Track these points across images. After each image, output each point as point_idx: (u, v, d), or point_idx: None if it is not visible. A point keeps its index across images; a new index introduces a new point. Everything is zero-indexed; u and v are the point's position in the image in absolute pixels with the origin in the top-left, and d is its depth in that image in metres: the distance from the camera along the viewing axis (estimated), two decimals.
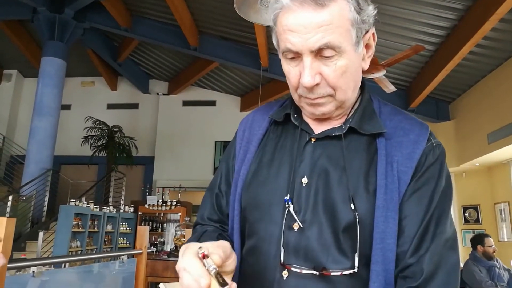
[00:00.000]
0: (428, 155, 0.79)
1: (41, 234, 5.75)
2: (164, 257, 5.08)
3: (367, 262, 0.75)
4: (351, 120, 0.83)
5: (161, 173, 10.41)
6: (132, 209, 8.04)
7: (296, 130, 0.85)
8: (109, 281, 2.89)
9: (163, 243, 7.54)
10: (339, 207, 0.76)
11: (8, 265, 1.75)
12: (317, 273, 0.74)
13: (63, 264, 4.26)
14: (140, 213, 8.29)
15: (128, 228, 7.88)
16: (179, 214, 8.37)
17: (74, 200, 6.33)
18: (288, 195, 0.78)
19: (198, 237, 0.85)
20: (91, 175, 10.22)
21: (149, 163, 10.60)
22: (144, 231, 3.24)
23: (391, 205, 0.75)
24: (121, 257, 2.98)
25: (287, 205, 0.77)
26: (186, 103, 10.87)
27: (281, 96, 8.59)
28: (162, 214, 8.27)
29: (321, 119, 0.84)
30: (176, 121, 10.68)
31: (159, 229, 8.06)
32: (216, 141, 10.68)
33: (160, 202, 8.25)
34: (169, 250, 5.83)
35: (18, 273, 2.56)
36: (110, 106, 11.24)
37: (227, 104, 10.61)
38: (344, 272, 0.74)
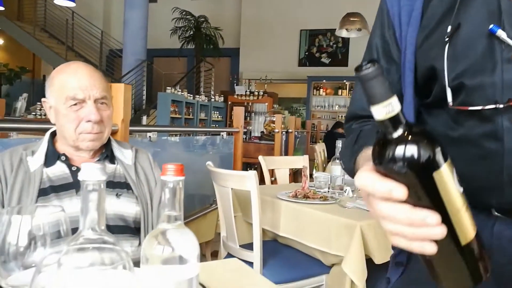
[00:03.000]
0: None
1: (144, 118, 6.31)
2: (255, 140, 5.36)
3: None
4: None
5: (246, 64, 10.46)
6: (222, 98, 8.39)
7: None
8: (212, 153, 3.13)
9: (251, 131, 7.91)
10: None
11: (130, 128, 1.95)
12: None
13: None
14: (229, 102, 8.65)
15: (219, 116, 8.32)
16: (266, 104, 8.59)
17: (170, 88, 6.73)
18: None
19: (355, 140, 0.75)
20: (181, 67, 10.65)
21: (235, 55, 10.65)
22: (240, 111, 3.36)
23: None
24: (221, 133, 3.17)
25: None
26: None
27: None
28: (250, 104, 8.55)
29: None
30: (260, 9, 10.29)
31: (248, 118, 8.41)
32: (301, 30, 10.22)
33: (247, 92, 8.48)
34: (259, 135, 6.10)
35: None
36: None
37: None
38: None
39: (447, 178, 0.44)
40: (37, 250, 0.57)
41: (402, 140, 0.43)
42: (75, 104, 1.10)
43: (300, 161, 2.82)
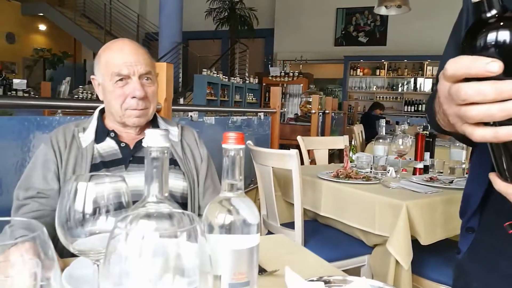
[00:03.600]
0: None
1: (181, 100, 6.43)
2: (291, 122, 5.31)
3: None
4: None
5: (281, 45, 10.32)
6: (256, 80, 8.35)
7: None
8: (248, 134, 3.14)
9: (286, 112, 7.85)
10: None
11: (172, 107, 1.97)
12: None
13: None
14: (264, 84, 8.59)
15: (253, 98, 8.31)
16: (301, 85, 8.47)
17: (206, 70, 6.77)
18: None
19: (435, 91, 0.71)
20: (216, 49, 10.67)
21: (269, 35, 10.52)
22: (277, 91, 3.33)
23: None
24: (259, 114, 3.15)
25: None
26: None
27: None
28: (284, 85, 8.46)
29: None
30: None
31: (282, 100, 8.34)
32: (337, 9, 9.93)
33: (282, 74, 8.38)
34: (294, 117, 6.04)
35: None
36: None
37: None
38: None
39: None
40: (100, 218, 0.58)
41: (501, 18, 0.44)
42: (121, 80, 1.12)
43: (340, 142, 2.77)
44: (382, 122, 2.24)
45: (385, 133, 2.22)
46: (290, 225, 1.84)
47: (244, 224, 0.50)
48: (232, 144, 0.51)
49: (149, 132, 0.47)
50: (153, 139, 0.47)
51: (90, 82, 9.76)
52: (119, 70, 1.11)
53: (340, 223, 1.87)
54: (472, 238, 0.74)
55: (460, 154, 2.08)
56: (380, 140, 2.13)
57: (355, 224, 1.75)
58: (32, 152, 1.42)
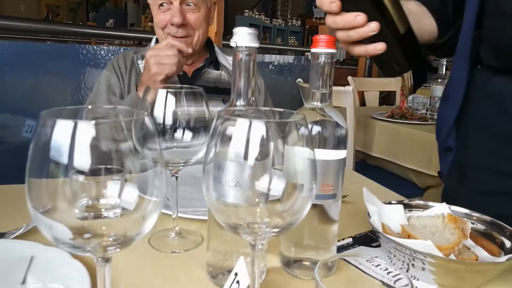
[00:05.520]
0: None
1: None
2: (337, 65, 5.13)
3: None
4: None
5: None
6: (299, 22, 8.01)
7: None
8: (294, 76, 3.05)
9: None
10: None
11: (223, 42, 1.92)
12: None
13: None
14: (307, 26, 8.24)
15: (295, 41, 8.03)
16: None
17: (248, 11, 6.55)
18: None
19: None
20: None
21: None
22: (325, 30, 3.17)
23: None
24: (306, 54, 3.04)
25: None
26: None
27: None
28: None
29: None
30: None
31: None
32: None
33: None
34: (340, 60, 5.82)
35: None
36: None
37: None
38: None
39: None
40: (179, 130, 0.57)
41: None
42: (162, 5, 1.09)
43: (393, 84, 2.64)
44: (443, 61, 2.08)
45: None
46: None
47: (336, 135, 0.47)
48: (322, 48, 0.47)
49: (238, 30, 0.44)
50: (241, 38, 0.44)
51: (132, 25, 9.72)
52: None
53: (392, 164, 1.82)
54: (451, 159, 0.80)
55: None
56: (439, 80, 2.00)
57: (410, 165, 1.69)
58: (88, 80, 1.44)
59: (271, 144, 0.34)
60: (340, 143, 0.47)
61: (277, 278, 0.54)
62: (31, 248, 0.53)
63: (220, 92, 1.17)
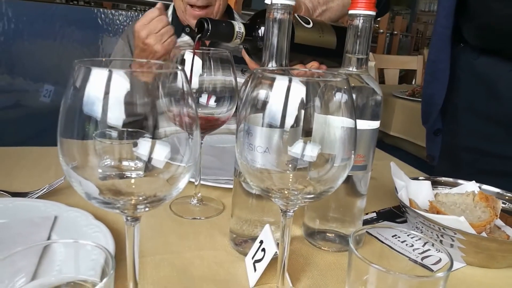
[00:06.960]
0: None
1: None
2: None
3: None
4: None
5: None
6: None
7: None
8: None
9: None
10: None
11: (242, 12, 1.88)
12: None
13: None
14: None
15: None
16: None
17: None
18: None
19: None
20: None
21: None
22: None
23: None
24: None
25: None
26: None
27: None
28: None
29: None
30: None
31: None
32: None
33: None
34: None
35: None
36: None
37: None
38: None
39: None
40: (204, 95, 0.55)
41: None
42: None
43: (413, 62, 2.56)
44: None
45: None
46: None
47: (372, 103, 0.45)
48: (361, 9, 0.44)
49: None
50: None
51: None
52: None
53: (409, 144, 1.78)
54: (440, 140, 0.80)
55: None
56: None
57: None
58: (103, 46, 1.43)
59: (310, 107, 0.32)
60: (375, 112, 0.45)
61: (300, 248, 0.53)
62: (55, 208, 0.52)
63: (239, 61, 1.14)
